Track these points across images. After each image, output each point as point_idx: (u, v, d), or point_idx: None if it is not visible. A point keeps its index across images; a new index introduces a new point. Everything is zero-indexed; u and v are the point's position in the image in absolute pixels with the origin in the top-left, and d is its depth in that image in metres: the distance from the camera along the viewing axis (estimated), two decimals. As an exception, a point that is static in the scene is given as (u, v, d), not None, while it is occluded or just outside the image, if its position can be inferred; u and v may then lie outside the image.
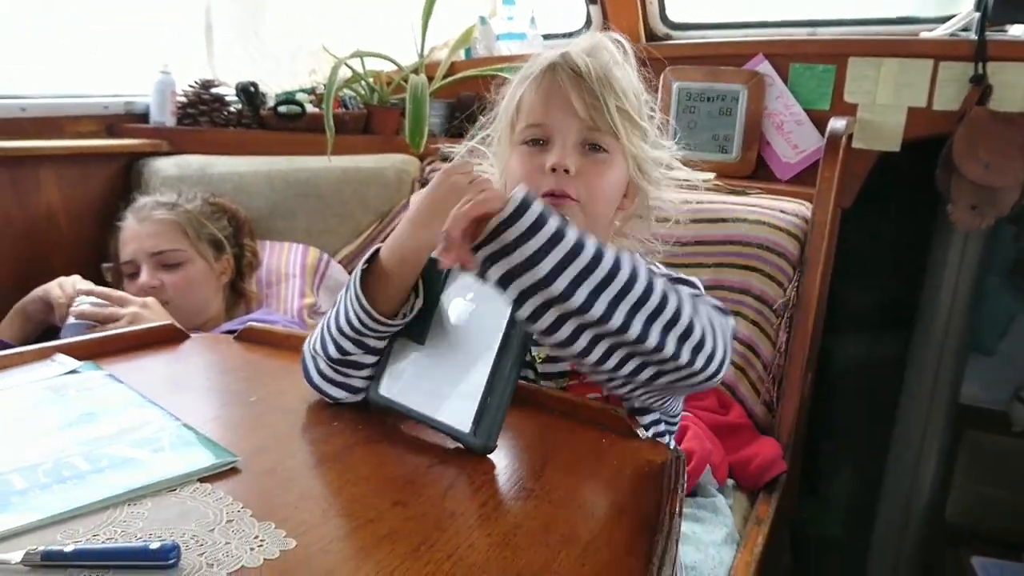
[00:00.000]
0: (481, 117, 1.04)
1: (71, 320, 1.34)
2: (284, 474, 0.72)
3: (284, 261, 1.74)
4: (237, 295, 1.65)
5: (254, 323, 1.11)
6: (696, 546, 1.23)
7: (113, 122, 1.80)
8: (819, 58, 1.80)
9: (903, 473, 2.05)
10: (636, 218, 1.00)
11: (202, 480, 0.71)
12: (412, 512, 0.68)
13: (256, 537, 0.63)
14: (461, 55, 2.15)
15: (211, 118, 1.90)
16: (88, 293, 1.37)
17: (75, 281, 1.44)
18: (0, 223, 1.56)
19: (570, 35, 2.25)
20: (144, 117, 1.85)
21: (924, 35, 1.81)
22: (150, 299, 1.38)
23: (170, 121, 1.84)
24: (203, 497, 0.68)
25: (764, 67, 1.83)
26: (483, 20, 2.19)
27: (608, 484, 0.76)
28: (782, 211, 1.61)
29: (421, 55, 1.99)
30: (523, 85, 0.94)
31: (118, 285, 1.55)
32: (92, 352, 1.00)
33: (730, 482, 1.46)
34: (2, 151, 1.55)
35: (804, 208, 1.63)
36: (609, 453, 0.80)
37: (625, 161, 0.93)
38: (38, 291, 1.42)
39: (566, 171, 0.89)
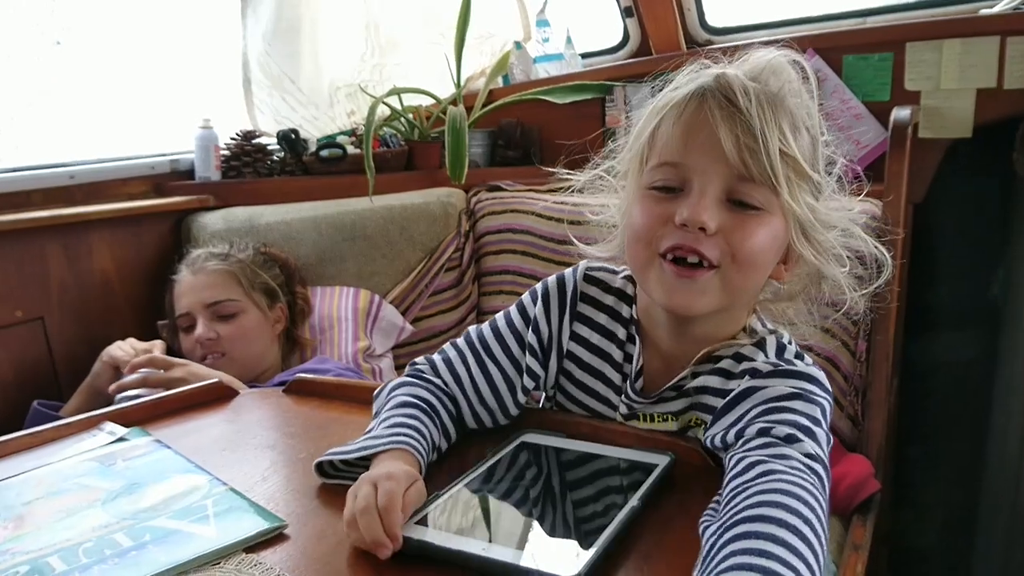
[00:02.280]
0: (601, 151, 0.87)
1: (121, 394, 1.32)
2: (335, 538, 0.67)
3: (336, 306, 1.71)
4: (292, 343, 1.63)
5: (303, 375, 1.08)
6: (789, 580, 1.13)
7: (160, 181, 1.82)
8: (873, 47, 1.71)
9: (1005, 475, 1.90)
10: (791, 299, 0.82)
11: (248, 550, 0.67)
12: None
13: (304, 613, 0.58)
14: (499, 82, 2.12)
15: (255, 168, 1.90)
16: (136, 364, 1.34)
17: (132, 342, 1.44)
18: (56, 291, 1.58)
19: (612, 51, 2.20)
20: (190, 173, 1.87)
21: (984, 12, 1.70)
22: (193, 364, 1.36)
23: (215, 175, 1.85)
24: (248, 569, 0.64)
25: (815, 62, 1.74)
26: (519, 45, 2.16)
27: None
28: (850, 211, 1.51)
29: (458, 86, 1.97)
30: (661, 113, 0.76)
31: (173, 341, 1.55)
32: (141, 417, 0.98)
33: (819, 506, 1.36)
34: (54, 219, 1.57)
35: (873, 207, 1.53)
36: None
37: (785, 222, 0.73)
38: (101, 361, 1.42)
39: (702, 229, 0.71)
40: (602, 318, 0.86)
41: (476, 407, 0.86)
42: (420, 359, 0.90)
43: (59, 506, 0.76)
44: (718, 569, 0.55)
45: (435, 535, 0.65)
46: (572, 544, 0.64)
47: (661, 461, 0.75)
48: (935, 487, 2.04)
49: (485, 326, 0.90)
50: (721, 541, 0.57)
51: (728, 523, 0.58)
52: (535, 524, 0.69)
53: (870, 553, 1.29)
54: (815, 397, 0.71)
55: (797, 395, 0.71)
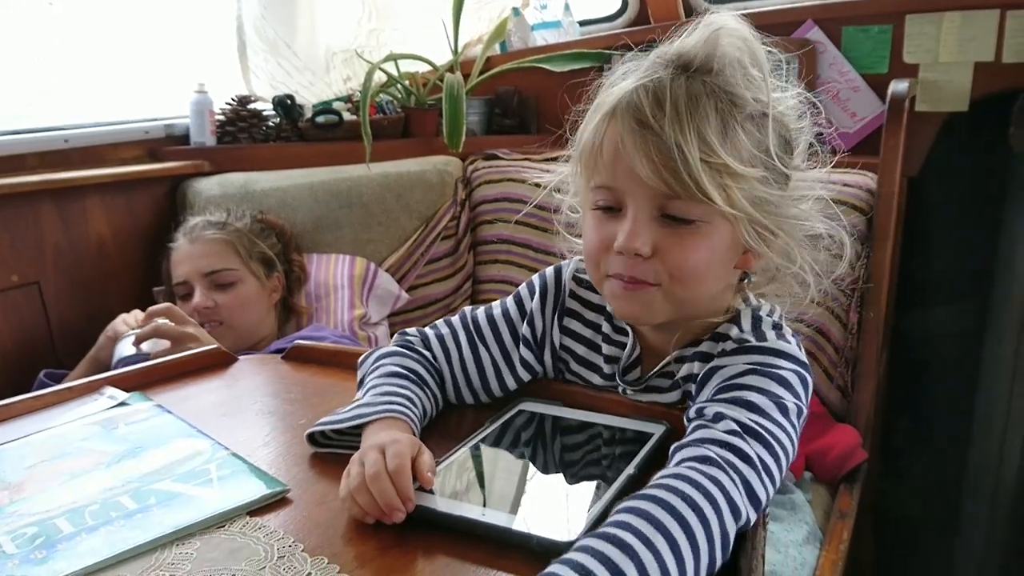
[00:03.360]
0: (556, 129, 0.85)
1: (124, 353, 1.33)
2: (337, 502, 0.68)
3: (332, 273, 1.72)
4: (288, 311, 1.64)
5: (301, 341, 1.09)
6: (775, 547, 1.16)
7: (154, 146, 1.81)
8: (873, 19, 1.70)
9: (989, 447, 1.93)
10: (769, 281, 0.79)
11: (251, 513, 0.68)
12: (469, 539, 0.63)
13: (308, 574, 0.59)
14: (496, 49, 2.10)
15: (250, 134, 1.89)
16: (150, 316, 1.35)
17: (136, 314, 1.44)
18: (51, 256, 1.58)
19: (610, 19, 2.18)
20: (184, 139, 1.85)
21: (986, -16, 1.69)
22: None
23: (210, 140, 1.84)
24: (253, 532, 0.65)
25: (815, 33, 1.74)
26: (516, 12, 2.14)
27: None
28: (845, 184, 1.52)
29: (455, 53, 1.95)
30: (593, 125, 0.74)
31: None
32: (141, 382, 0.99)
33: (807, 475, 1.39)
34: (49, 183, 1.56)
35: (868, 179, 1.54)
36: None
37: (730, 223, 0.71)
38: (106, 334, 1.42)
39: (638, 254, 0.71)
40: (590, 314, 0.87)
41: (461, 386, 0.88)
42: (411, 330, 0.91)
43: (63, 469, 0.77)
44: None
45: (436, 500, 0.66)
46: (570, 510, 0.65)
47: (656, 430, 0.77)
48: (922, 458, 2.08)
49: (480, 310, 0.91)
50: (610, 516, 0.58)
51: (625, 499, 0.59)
52: (533, 490, 0.71)
53: (856, 521, 1.32)
54: (772, 370, 0.71)
55: (752, 370, 0.71)
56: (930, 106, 1.68)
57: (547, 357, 0.88)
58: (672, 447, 0.67)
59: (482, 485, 0.72)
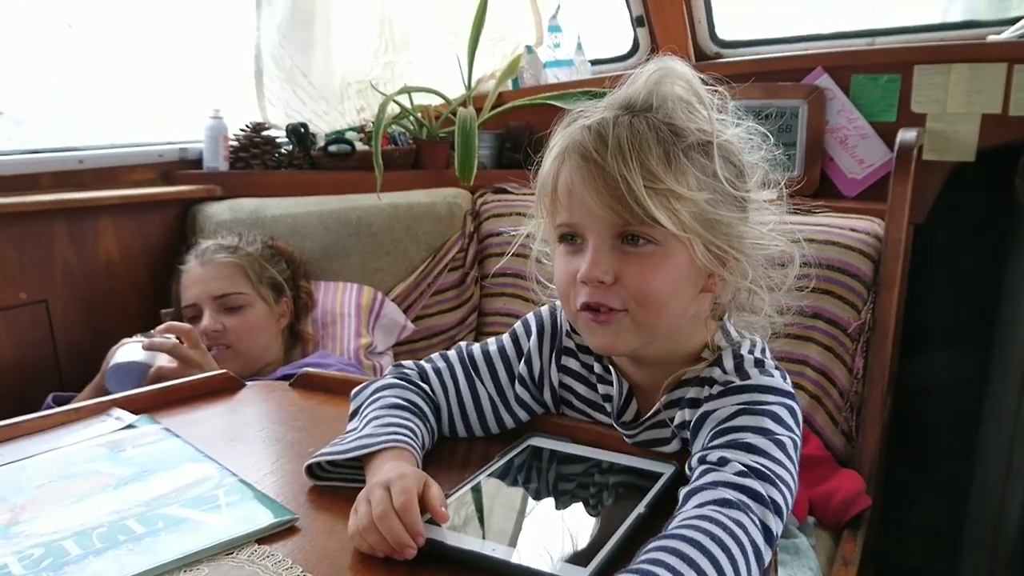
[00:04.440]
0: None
1: (120, 359, 1.32)
2: (345, 533, 0.68)
3: (339, 301, 1.72)
4: (294, 337, 1.64)
5: (309, 369, 1.09)
6: (780, 591, 1.14)
7: (168, 169, 1.82)
8: (882, 68, 1.73)
9: (990, 496, 1.92)
10: (732, 307, 0.81)
11: (260, 541, 0.68)
12: (479, 574, 0.63)
13: (317, 605, 0.59)
14: (508, 85, 2.13)
15: (263, 161, 1.91)
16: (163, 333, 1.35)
17: (138, 339, 1.44)
18: (60, 274, 1.58)
19: (620, 59, 2.22)
20: (198, 163, 1.87)
21: (992, 38, 1.72)
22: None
23: (223, 166, 1.85)
24: (261, 560, 0.65)
25: (824, 80, 1.76)
26: (529, 49, 2.17)
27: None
28: (852, 230, 1.53)
29: (468, 87, 1.98)
30: (547, 167, 0.78)
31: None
32: (148, 405, 0.99)
33: (811, 520, 1.38)
34: (62, 203, 1.57)
35: (875, 226, 1.55)
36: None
37: (685, 246, 0.73)
38: (108, 359, 1.41)
39: (601, 282, 0.73)
40: (583, 355, 0.88)
41: (457, 421, 0.88)
42: (408, 363, 0.92)
43: (70, 490, 0.76)
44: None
45: (446, 534, 0.66)
46: (581, 547, 0.65)
47: (666, 470, 0.77)
48: (922, 507, 2.06)
49: (476, 347, 0.91)
50: (638, 558, 0.59)
51: (650, 544, 0.60)
52: (543, 526, 0.70)
53: (858, 568, 1.31)
54: (761, 407, 0.72)
55: (742, 411, 0.72)
56: (937, 155, 1.70)
57: (547, 396, 0.89)
58: (683, 491, 0.68)
59: (491, 519, 0.72)
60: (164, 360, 1.33)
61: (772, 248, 0.78)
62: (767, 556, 0.63)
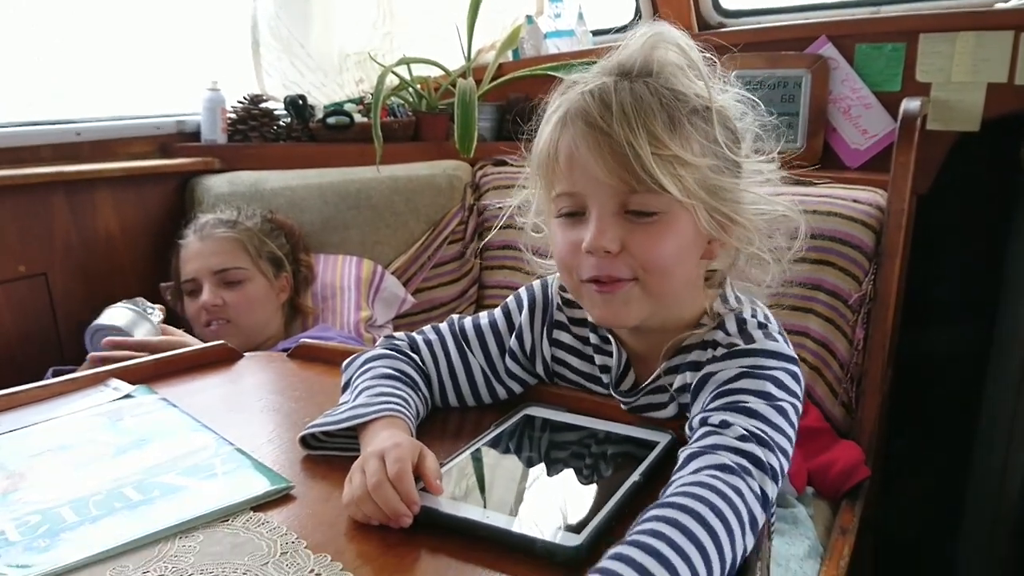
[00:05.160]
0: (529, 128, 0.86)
1: (100, 321, 1.33)
2: (340, 501, 0.68)
3: (339, 275, 1.72)
4: (294, 311, 1.64)
5: (307, 340, 1.09)
6: (776, 561, 1.15)
7: (165, 142, 1.81)
8: (887, 36, 1.70)
9: (990, 470, 1.92)
10: (732, 270, 0.81)
11: (255, 509, 0.68)
12: (473, 541, 0.63)
13: (312, 571, 0.59)
14: (508, 56, 2.11)
15: (261, 133, 1.89)
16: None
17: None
18: (59, 247, 1.58)
19: (622, 29, 2.19)
20: (195, 135, 1.86)
21: (1000, 6, 1.69)
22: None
23: (221, 138, 1.84)
24: (256, 528, 0.65)
25: (828, 50, 1.74)
26: (530, 19, 2.14)
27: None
28: (855, 201, 1.52)
29: (468, 58, 1.96)
30: (546, 135, 0.76)
31: (177, 304, 1.55)
32: (146, 375, 0.99)
33: (809, 490, 1.38)
34: (61, 175, 1.56)
35: (878, 197, 1.54)
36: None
37: (689, 212, 0.73)
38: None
39: (608, 251, 0.72)
40: (576, 328, 0.87)
41: (449, 391, 0.88)
42: (399, 334, 0.92)
43: (68, 459, 0.77)
44: (617, 545, 0.57)
45: (441, 502, 0.66)
46: (574, 515, 0.65)
47: (662, 439, 0.77)
48: (922, 479, 2.07)
49: (467, 319, 0.91)
50: (637, 524, 0.59)
51: (648, 509, 0.60)
52: (538, 494, 0.70)
53: (857, 538, 1.31)
54: (764, 371, 0.72)
55: (744, 374, 0.72)
56: (942, 125, 1.68)
57: (539, 370, 0.89)
58: (682, 452, 0.68)
59: (486, 488, 0.72)
60: (144, 332, 1.33)
61: (771, 213, 0.77)
62: (761, 521, 0.63)
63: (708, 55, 0.78)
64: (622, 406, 0.84)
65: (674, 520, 0.58)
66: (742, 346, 0.74)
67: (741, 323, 0.77)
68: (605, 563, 0.54)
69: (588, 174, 0.72)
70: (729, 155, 0.75)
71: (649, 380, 0.81)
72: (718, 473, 0.63)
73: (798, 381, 0.74)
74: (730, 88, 0.79)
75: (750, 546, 0.61)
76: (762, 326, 0.77)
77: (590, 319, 0.84)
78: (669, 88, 0.73)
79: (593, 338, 0.86)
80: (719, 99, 0.76)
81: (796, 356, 0.76)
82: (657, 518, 0.58)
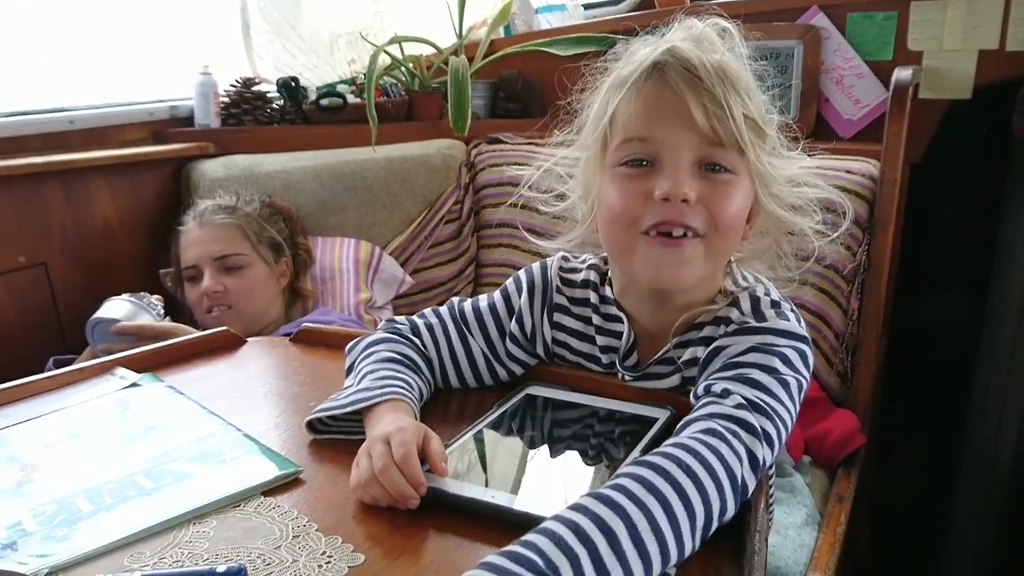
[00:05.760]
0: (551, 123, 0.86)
1: (99, 314, 1.34)
2: (347, 484, 0.70)
3: (337, 257, 1.72)
4: (295, 295, 1.65)
5: (309, 324, 1.10)
6: (775, 529, 1.18)
7: (159, 128, 1.81)
8: (879, 5, 1.70)
9: (983, 438, 1.95)
10: (757, 257, 0.83)
11: (265, 494, 0.70)
12: (480, 520, 0.65)
13: (323, 553, 0.61)
14: (500, 33, 2.10)
15: (255, 116, 1.89)
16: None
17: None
18: (57, 236, 1.58)
19: (614, 3, 2.17)
20: (189, 120, 1.85)
21: (991, -28, 1.69)
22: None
23: (214, 122, 1.84)
24: (268, 512, 0.67)
25: (820, 20, 1.74)
26: (521, -6, 2.13)
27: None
28: (848, 171, 1.53)
29: (459, 36, 1.95)
30: (618, 92, 0.76)
31: (177, 291, 1.56)
32: (151, 363, 1.00)
33: (806, 459, 1.41)
34: (54, 165, 1.56)
35: (871, 167, 1.54)
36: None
37: (751, 182, 0.76)
38: None
39: (684, 200, 0.72)
40: (577, 309, 0.88)
41: (451, 374, 0.90)
42: (400, 318, 0.93)
43: (79, 448, 0.78)
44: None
45: (447, 482, 0.68)
46: (578, 492, 0.66)
47: (662, 415, 0.78)
48: (916, 447, 2.10)
49: (467, 302, 0.92)
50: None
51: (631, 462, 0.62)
52: (541, 472, 0.72)
53: (853, 505, 1.34)
54: (773, 347, 0.73)
55: (754, 348, 0.73)
56: (933, 93, 1.68)
57: (540, 351, 0.90)
58: (681, 422, 0.69)
59: (490, 467, 0.74)
60: (144, 320, 1.35)
61: (810, 192, 0.80)
62: (751, 483, 0.64)
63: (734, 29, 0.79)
64: (625, 377, 0.85)
65: (638, 475, 0.59)
66: (754, 324, 0.76)
67: (755, 301, 0.78)
68: (564, 512, 0.56)
69: (675, 119, 0.72)
70: (776, 137, 0.78)
71: (659, 354, 0.83)
72: (699, 435, 0.64)
73: (805, 360, 0.75)
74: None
75: (732, 508, 0.62)
76: (775, 304, 0.78)
77: (593, 300, 0.86)
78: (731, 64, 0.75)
79: (596, 319, 0.87)
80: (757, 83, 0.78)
81: (807, 335, 0.77)
82: (624, 474, 0.59)
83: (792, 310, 0.80)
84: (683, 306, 0.81)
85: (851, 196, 1.50)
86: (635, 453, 0.71)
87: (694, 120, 0.72)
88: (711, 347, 0.76)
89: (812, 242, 0.81)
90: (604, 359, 0.87)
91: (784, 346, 0.74)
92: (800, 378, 0.73)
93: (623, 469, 0.61)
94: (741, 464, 0.64)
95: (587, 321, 0.88)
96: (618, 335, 0.85)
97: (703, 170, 0.74)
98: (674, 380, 0.83)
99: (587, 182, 0.83)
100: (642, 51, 0.76)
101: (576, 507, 0.56)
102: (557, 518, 0.55)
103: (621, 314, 0.85)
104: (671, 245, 0.74)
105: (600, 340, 0.87)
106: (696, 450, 0.62)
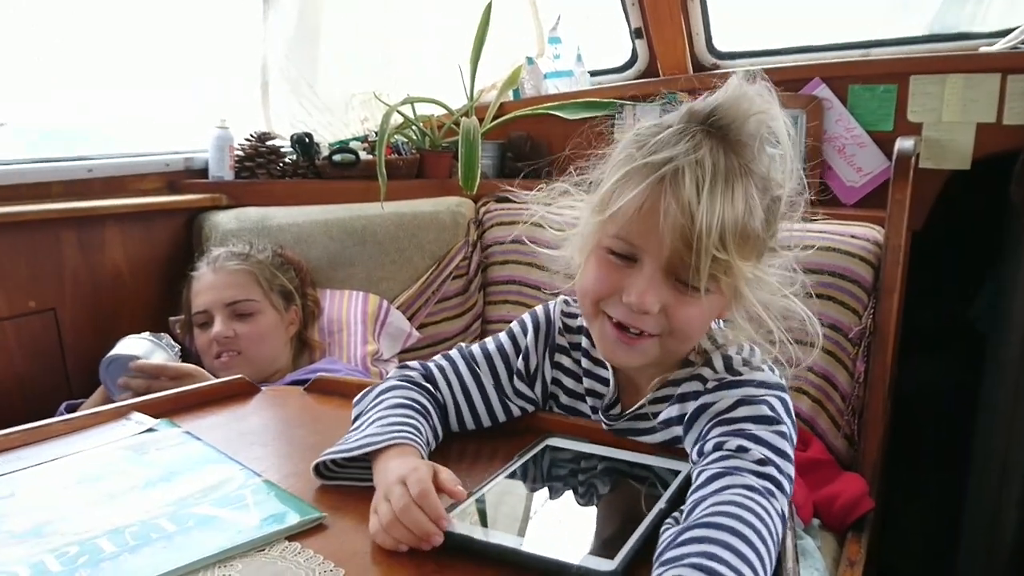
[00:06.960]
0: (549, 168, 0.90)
1: (116, 351, 1.34)
2: (369, 530, 0.69)
3: (345, 309, 1.73)
4: (302, 345, 1.65)
5: (323, 373, 1.10)
6: (788, 591, 1.16)
7: (174, 178, 1.84)
8: (879, 78, 1.76)
9: (985, 502, 1.93)
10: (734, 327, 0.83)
11: (290, 538, 0.69)
12: (505, 568, 0.65)
13: (351, 599, 0.60)
14: (509, 96, 2.16)
15: (268, 170, 1.92)
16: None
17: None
18: (69, 283, 1.59)
19: (618, 71, 2.24)
20: (203, 172, 1.88)
21: (985, 49, 1.76)
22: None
23: (228, 175, 1.87)
24: (293, 556, 0.66)
25: (822, 91, 1.80)
26: (530, 60, 2.20)
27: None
28: (853, 236, 1.56)
29: (470, 98, 2.00)
30: (629, 184, 0.75)
31: (187, 337, 1.56)
32: (167, 409, 1.00)
33: (816, 522, 1.40)
34: (71, 212, 1.58)
35: (875, 232, 1.58)
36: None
37: (723, 295, 0.77)
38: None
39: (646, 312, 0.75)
40: (574, 352, 0.92)
41: (464, 411, 0.91)
42: (412, 363, 0.94)
43: (99, 491, 0.78)
44: (669, 567, 0.59)
45: (475, 530, 0.67)
46: (605, 540, 0.66)
47: (683, 467, 0.79)
48: (919, 511, 2.08)
49: (476, 346, 0.95)
50: (677, 542, 0.61)
51: (684, 528, 0.63)
52: (566, 522, 0.72)
53: (863, 570, 1.33)
54: (758, 398, 0.75)
55: (740, 402, 0.75)
56: (934, 163, 1.73)
57: (537, 390, 0.92)
58: (699, 472, 0.70)
59: (515, 516, 0.73)
60: (159, 359, 1.35)
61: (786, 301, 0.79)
62: (781, 539, 0.66)
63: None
64: (603, 426, 0.88)
65: (723, 541, 0.60)
66: (730, 379, 0.79)
67: (727, 360, 0.81)
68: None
69: (655, 236, 0.73)
70: (770, 244, 0.78)
71: (634, 408, 0.85)
72: (749, 493, 0.66)
73: (787, 407, 0.78)
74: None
75: (773, 565, 0.63)
76: (746, 362, 0.81)
77: (584, 345, 0.89)
78: (762, 177, 0.75)
79: (585, 363, 0.90)
80: (786, 183, 0.78)
81: (784, 383, 0.80)
82: (703, 539, 0.60)
83: (764, 362, 0.82)
84: (656, 365, 0.83)
85: (856, 260, 1.53)
86: (660, 504, 0.71)
87: (679, 240, 0.72)
88: (697, 404, 0.78)
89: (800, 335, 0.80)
90: (590, 401, 0.90)
91: (766, 395, 0.76)
92: (789, 427, 0.76)
93: (695, 532, 0.62)
94: (780, 522, 0.66)
95: (579, 364, 0.91)
96: (604, 381, 0.88)
97: (676, 280, 0.75)
98: (659, 437, 0.85)
99: (584, 241, 0.83)
100: (664, 151, 0.74)
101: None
102: None
103: (607, 365, 0.87)
104: (624, 341, 0.78)
105: (586, 383, 0.90)
106: (757, 511, 0.64)
